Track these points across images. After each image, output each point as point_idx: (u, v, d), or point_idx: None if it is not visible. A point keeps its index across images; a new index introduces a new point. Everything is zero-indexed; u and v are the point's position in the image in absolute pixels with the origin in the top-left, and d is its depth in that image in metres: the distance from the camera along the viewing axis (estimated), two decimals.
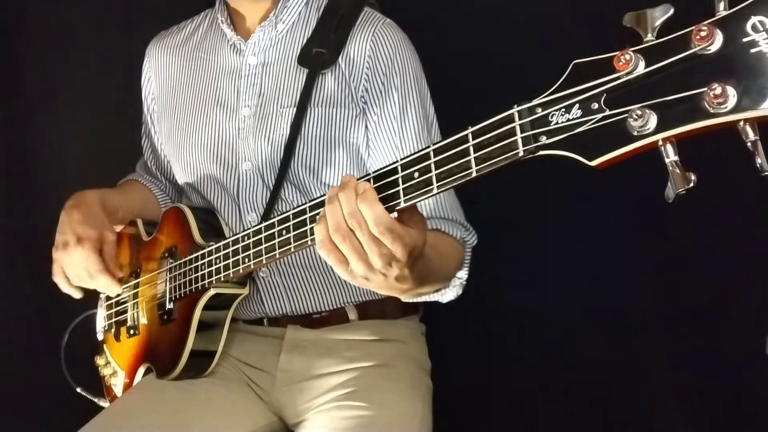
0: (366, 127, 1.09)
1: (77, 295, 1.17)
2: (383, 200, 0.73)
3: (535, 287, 1.36)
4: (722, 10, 0.54)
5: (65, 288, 1.16)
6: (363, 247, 0.72)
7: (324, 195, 0.78)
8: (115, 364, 1.25)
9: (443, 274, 0.97)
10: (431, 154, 0.70)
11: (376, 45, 1.08)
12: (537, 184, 1.28)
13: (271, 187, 1.10)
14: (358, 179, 0.75)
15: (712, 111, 0.53)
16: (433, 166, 0.70)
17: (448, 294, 1.01)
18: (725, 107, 0.52)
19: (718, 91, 0.52)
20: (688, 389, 1.27)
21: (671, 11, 0.57)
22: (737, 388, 1.23)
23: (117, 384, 1.25)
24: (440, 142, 0.70)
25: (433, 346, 1.20)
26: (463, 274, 1.03)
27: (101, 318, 1.31)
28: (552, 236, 1.35)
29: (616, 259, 1.32)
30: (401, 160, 0.73)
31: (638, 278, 1.31)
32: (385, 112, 1.08)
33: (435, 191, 0.70)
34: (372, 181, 0.75)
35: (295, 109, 1.08)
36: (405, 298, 0.91)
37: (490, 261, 1.31)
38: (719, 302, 1.23)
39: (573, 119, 0.60)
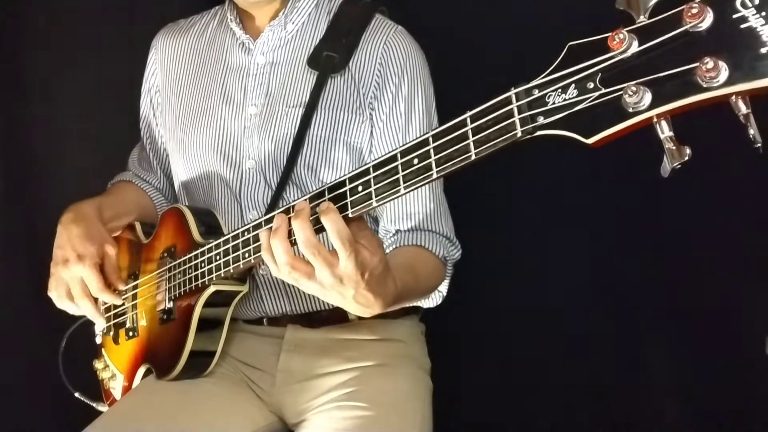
0: (371, 132, 1.10)
1: (71, 310, 1.15)
2: (383, 189, 0.75)
3: (535, 286, 1.36)
4: None
5: (59, 303, 1.13)
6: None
7: (319, 188, 0.81)
8: (113, 368, 1.25)
9: (420, 292, 1.02)
10: (430, 140, 0.71)
11: (387, 53, 1.10)
12: (536, 183, 1.29)
13: (273, 186, 1.11)
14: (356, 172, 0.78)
15: (704, 85, 0.54)
16: (432, 151, 0.71)
17: (427, 303, 1.10)
18: (717, 81, 0.53)
19: (710, 65, 0.53)
20: (687, 388, 1.27)
21: None
22: (737, 388, 1.22)
23: (116, 387, 1.24)
24: (439, 128, 0.71)
25: (433, 346, 1.20)
26: (443, 287, 1.09)
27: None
28: (552, 235, 1.36)
29: (617, 258, 1.32)
30: (400, 147, 0.74)
31: (638, 277, 1.31)
32: (392, 120, 1.09)
33: (435, 176, 0.71)
34: (372, 169, 0.76)
35: (302, 110, 1.09)
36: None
37: (490, 260, 1.32)
38: (720, 301, 1.24)
39: (569, 99, 0.61)
